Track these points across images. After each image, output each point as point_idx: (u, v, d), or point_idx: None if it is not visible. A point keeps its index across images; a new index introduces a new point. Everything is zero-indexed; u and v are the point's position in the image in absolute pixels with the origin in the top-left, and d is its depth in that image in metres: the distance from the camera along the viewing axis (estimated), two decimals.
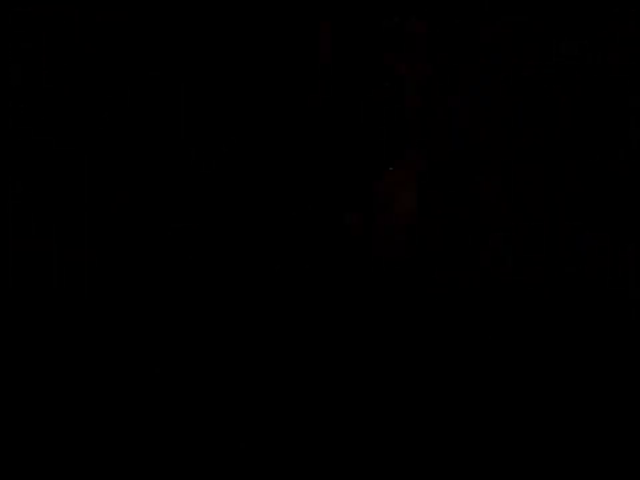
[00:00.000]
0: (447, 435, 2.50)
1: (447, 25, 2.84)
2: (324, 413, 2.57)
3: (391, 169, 2.86)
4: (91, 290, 2.74)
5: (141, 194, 2.82)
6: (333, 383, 2.65)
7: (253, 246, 2.89)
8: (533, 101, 2.81)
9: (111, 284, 2.74)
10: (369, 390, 2.63)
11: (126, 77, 2.84)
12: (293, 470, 2.43)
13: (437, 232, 2.84)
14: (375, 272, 2.85)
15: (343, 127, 2.90)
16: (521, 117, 2.82)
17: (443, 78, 2.83)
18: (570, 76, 2.79)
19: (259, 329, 2.78)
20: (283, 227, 2.90)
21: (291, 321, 2.79)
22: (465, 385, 2.62)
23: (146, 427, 2.52)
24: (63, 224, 2.76)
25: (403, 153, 2.85)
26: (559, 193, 2.75)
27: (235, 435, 2.50)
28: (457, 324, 2.73)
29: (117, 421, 2.52)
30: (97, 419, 2.52)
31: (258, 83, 2.95)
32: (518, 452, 2.41)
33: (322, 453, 2.47)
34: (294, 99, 2.93)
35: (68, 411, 2.56)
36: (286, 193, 2.91)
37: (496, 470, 2.36)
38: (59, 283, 2.73)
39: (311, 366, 2.70)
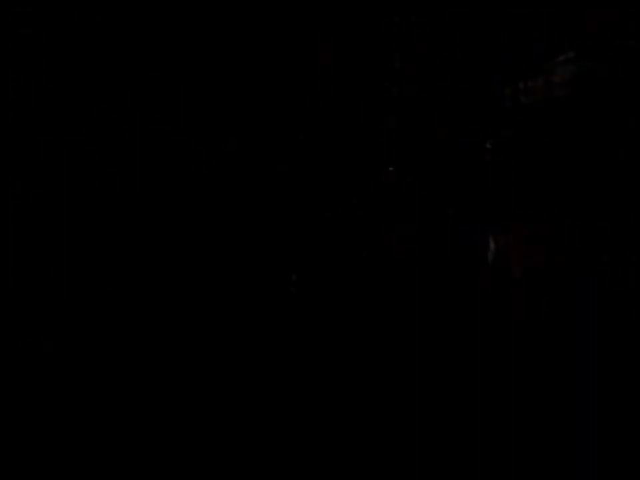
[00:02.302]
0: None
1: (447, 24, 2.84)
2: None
3: (391, 169, 2.85)
4: (90, 287, 2.74)
5: (139, 193, 2.82)
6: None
7: (254, 246, 2.89)
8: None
9: (111, 283, 2.73)
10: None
11: (126, 77, 2.84)
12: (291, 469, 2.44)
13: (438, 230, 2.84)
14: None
15: (342, 127, 2.90)
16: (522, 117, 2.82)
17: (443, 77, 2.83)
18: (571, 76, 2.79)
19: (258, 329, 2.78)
20: (283, 227, 2.90)
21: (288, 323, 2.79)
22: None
23: (145, 427, 2.52)
24: (62, 223, 2.76)
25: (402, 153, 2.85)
26: (559, 192, 2.75)
27: (232, 434, 2.49)
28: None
29: (116, 421, 2.52)
30: (97, 419, 2.52)
31: (258, 83, 2.94)
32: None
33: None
34: (294, 99, 2.93)
35: (67, 410, 2.56)
36: (285, 194, 2.91)
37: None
38: (60, 280, 2.73)
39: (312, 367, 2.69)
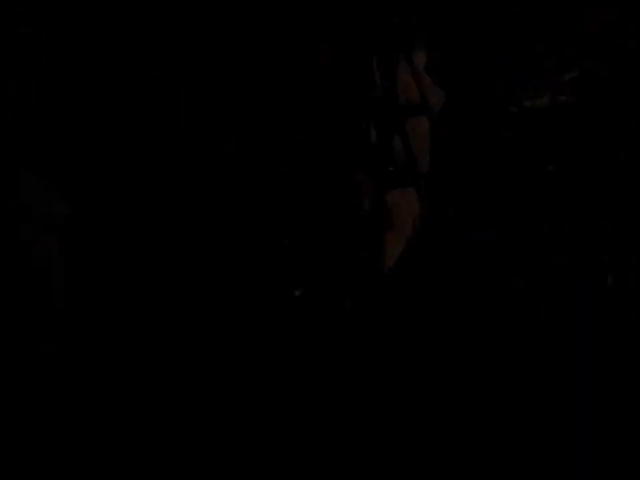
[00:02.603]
0: None
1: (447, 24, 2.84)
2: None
3: (390, 169, 2.86)
4: (90, 287, 2.74)
5: (139, 193, 2.82)
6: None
7: (254, 246, 2.89)
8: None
9: (111, 283, 2.73)
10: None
11: (126, 77, 2.84)
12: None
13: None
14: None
15: (342, 127, 2.90)
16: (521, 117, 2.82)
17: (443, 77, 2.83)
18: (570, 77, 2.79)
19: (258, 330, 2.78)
20: (283, 227, 2.90)
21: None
22: None
23: (144, 427, 2.52)
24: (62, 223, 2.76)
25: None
26: (559, 192, 2.75)
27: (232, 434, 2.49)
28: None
29: (116, 421, 2.52)
30: (97, 419, 2.52)
31: (258, 83, 2.94)
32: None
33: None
34: (294, 99, 2.93)
35: (67, 410, 2.56)
36: (285, 194, 2.91)
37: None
38: (62, 281, 2.73)
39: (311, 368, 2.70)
